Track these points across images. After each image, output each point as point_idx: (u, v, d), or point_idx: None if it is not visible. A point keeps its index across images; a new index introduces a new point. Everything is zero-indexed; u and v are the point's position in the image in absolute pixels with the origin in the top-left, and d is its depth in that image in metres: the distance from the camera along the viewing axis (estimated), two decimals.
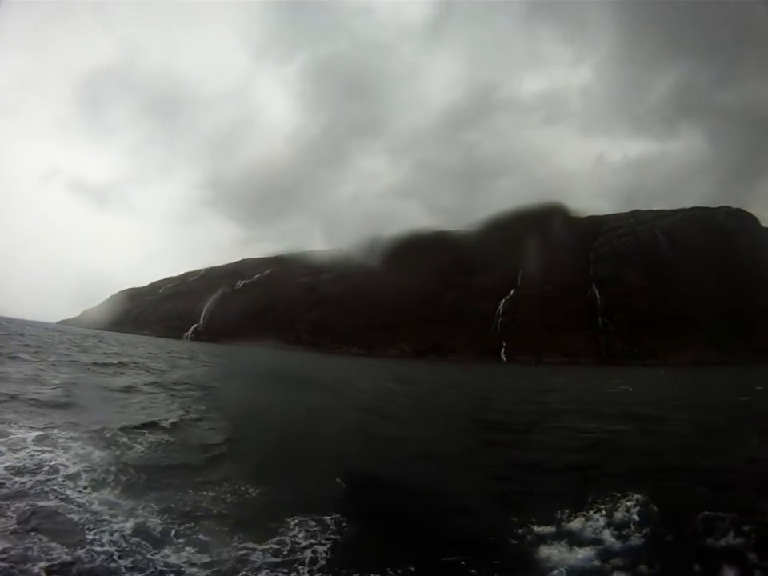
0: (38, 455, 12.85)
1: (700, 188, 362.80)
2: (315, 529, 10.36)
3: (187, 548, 9.11)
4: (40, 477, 11.54)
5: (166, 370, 41.34)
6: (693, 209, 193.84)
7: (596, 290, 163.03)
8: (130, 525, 9.63)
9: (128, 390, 26.87)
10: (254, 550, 9.25)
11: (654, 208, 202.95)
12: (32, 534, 8.87)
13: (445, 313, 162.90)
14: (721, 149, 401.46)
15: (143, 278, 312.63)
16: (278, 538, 9.83)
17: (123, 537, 9.15)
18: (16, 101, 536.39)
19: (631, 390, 49.47)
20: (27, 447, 13.38)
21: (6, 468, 11.77)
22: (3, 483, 10.99)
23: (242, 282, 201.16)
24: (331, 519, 10.84)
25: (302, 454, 17.03)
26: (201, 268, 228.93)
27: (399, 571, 8.99)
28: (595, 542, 10.20)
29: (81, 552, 8.45)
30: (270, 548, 9.40)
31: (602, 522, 10.93)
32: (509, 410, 32.17)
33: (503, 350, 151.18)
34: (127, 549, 8.76)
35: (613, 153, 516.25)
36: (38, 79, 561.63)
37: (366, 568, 8.90)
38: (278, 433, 19.73)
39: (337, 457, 16.65)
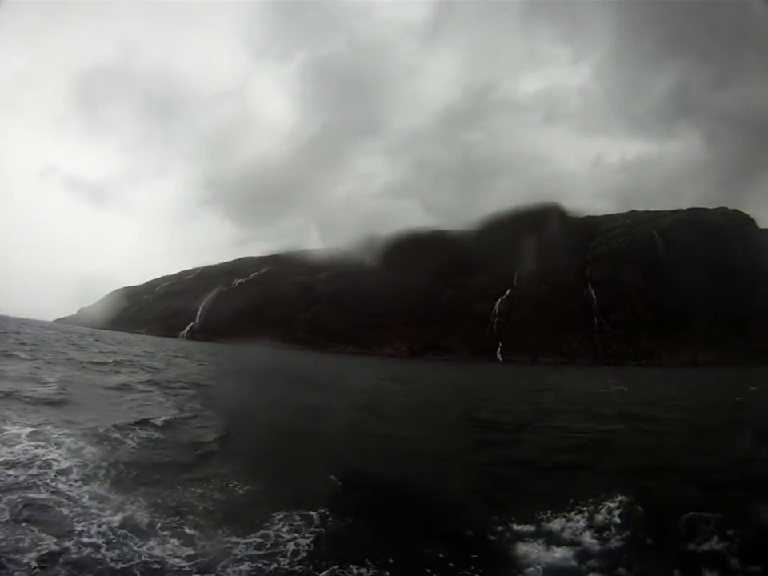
0: (31, 450, 13.07)
1: (697, 189, 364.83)
2: (300, 523, 10.55)
3: (172, 540, 9.35)
4: (33, 471, 11.76)
5: (161, 368, 41.43)
6: (690, 210, 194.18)
7: (592, 290, 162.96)
8: (117, 518, 9.87)
9: (123, 388, 26.99)
10: (237, 543, 9.46)
11: (652, 209, 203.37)
12: (23, 525, 9.15)
13: (441, 312, 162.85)
14: (719, 150, 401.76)
15: (140, 276, 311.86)
16: (261, 531, 10.02)
17: (111, 529, 9.39)
18: (13, 98, 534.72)
19: (626, 389, 49.69)
20: (21, 443, 13.60)
21: (0, 462, 11.99)
22: None
23: (239, 281, 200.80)
24: (317, 514, 11.02)
25: (295, 451, 17.24)
26: (197, 267, 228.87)
27: (378, 562, 9.17)
28: (574, 543, 10.34)
29: (69, 543, 8.70)
30: (254, 541, 9.59)
31: (582, 523, 11.09)
32: (502, 410, 32.28)
33: (499, 349, 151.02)
34: (114, 541, 9.02)
35: (611, 153, 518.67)
36: (35, 77, 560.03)
37: (346, 560, 9.10)
38: (272, 431, 19.82)
39: (328, 454, 16.85)
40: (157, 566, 8.40)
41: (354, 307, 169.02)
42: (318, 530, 10.37)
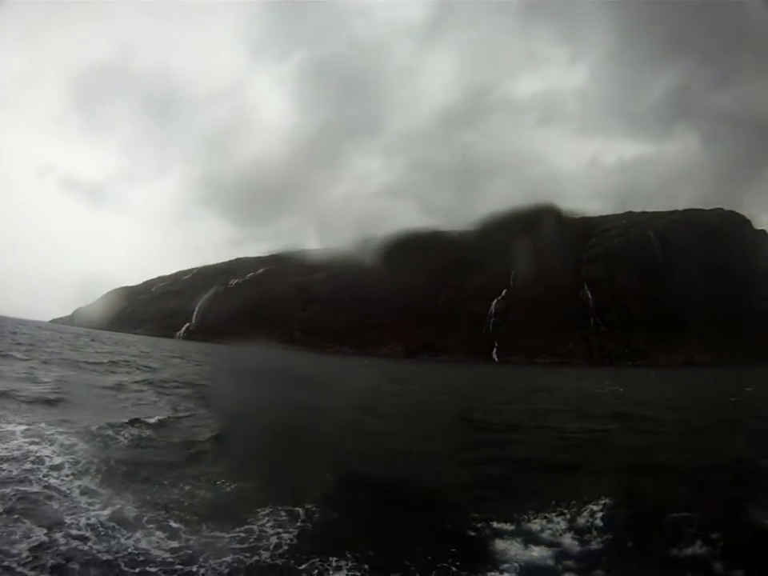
0: (25, 447, 13.35)
1: (694, 190, 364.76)
2: (285, 519, 10.78)
3: (157, 533, 9.60)
4: (26, 466, 12.04)
5: (156, 368, 41.53)
6: (686, 211, 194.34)
7: (588, 291, 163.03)
8: (106, 512, 10.14)
9: (118, 387, 27.15)
10: (222, 537, 9.70)
11: (648, 210, 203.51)
12: (15, 517, 9.43)
13: (437, 313, 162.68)
14: (715, 151, 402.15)
15: (137, 276, 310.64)
16: (246, 526, 10.24)
17: (99, 522, 9.68)
18: (10, 97, 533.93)
19: (621, 390, 49.91)
20: (16, 439, 13.89)
21: None
22: None
23: (235, 281, 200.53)
24: (303, 510, 11.23)
25: (287, 450, 17.52)
26: (194, 267, 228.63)
27: (358, 555, 9.37)
28: (553, 543, 10.47)
29: (59, 535, 8.98)
30: (237, 536, 9.82)
31: (563, 524, 11.23)
32: (496, 410, 32.50)
33: (495, 350, 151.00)
34: (102, 533, 9.30)
35: (608, 154, 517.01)
36: (33, 76, 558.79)
37: (327, 553, 9.31)
38: (265, 431, 20.10)
39: (321, 453, 17.11)
40: (141, 558, 8.61)
41: (351, 307, 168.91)
42: (302, 524, 10.58)
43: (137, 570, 8.23)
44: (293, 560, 9.07)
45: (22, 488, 10.80)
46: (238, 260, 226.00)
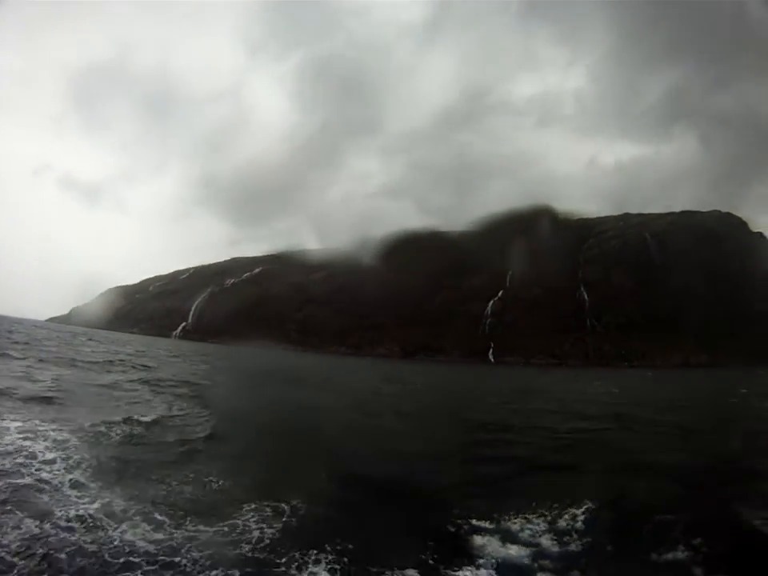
0: (18, 442, 13.58)
1: (691, 192, 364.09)
2: (269, 514, 10.95)
3: (143, 524, 9.83)
4: (19, 460, 12.30)
5: (152, 367, 41.44)
6: (683, 212, 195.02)
7: (584, 292, 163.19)
8: (95, 505, 10.40)
9: (113, 386, 27.14)
10: (205, 531, 9.88)
11: (645, 211, 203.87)
12: (7, 508, 9.74)
13: (433, 313, 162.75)
14: (712, 153, 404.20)
15: (134, 275, 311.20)
16: (230, 521, 10.42)
17: (88, 514, 9.93)
18: (9, 96, 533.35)
19: (616, 391, 49.91)
20: (10, 435, 14.10)
21: None
22: None
23: (232, 281, 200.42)
24: (288, 506, 11.40)
25: (279, 449, 17.64)
26: (190, 267, 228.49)
27: (338, 548, 9.54)
28: (531, 543, 10.53)
29: (47, 526, 9.27)
30: (220, 530, 10.01)
31: (543, 526, 11.27)
32: (490, 410, 32.57)
33: (491, 351, 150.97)
34: (91, 524, 9.57)
35: (605, 155, 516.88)
36: (31, 75, 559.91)
37: (308, 546, 9.47)
38: (258, 430, 20.25)
39: (312, 452, 17.23)
40: (127, 549, 8.83)
41: (348, 308, 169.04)
42: (287, 520, 10.76)
43: (121, 561, 8.44)
44: (273, 553, 9.23)
45: (14, 481, 11.05)
46: (234, 260, 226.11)
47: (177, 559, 8.67)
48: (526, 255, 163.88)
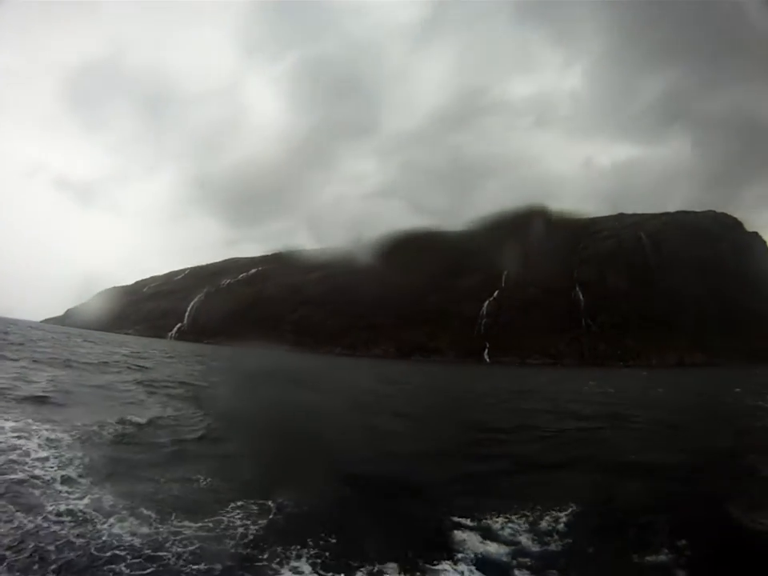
0: (12, 440, 13.79)
1: (686, 192, 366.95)
2: (255, 511, 11.10)
3: (130, 519, 10.07)
4: (12, 457, 12.54)
5: (147, 368, 41.45)
6: (677, 212, 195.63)
7: (579, 292, 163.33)
8: (84, 501, 10.70)
9: (108, 387, 27.18)
10: (190, 526, 10.07)
11: (640, 211, 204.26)
12: (0, 503, 10.04)
13: (429, 313, 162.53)
14: (707, 153, 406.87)
15: (130, 276, 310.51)
16: (215, 518, 10.60)
17: (78, 509, 10.24)
18: (3, 96, 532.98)
19: (611, 390, 50.02)
20: (4, 434, 14.25)
21: None
22: None
23: (227, 282, 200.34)
24: (274, 504, 11.54)
25: (270, 449, 17.73)
26: (186, 267, 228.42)
27: (321, 543, 9.73)
28: (511, 541, 10.58)
29: (39, 519, 9.57)
30: (205, 526, 10.19)
31: (524, 526, 11.29)
32: (484, 410, 32.71)
33: (487, 351, 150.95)
34: (80, 518, 9.87)
35: (600, 156, 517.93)
36: (25, 75, 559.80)
37: (290, 542, 9.66)
38: (252, 430, 20.37)
39: (304, 451, 17.34)
40: (113, 543, 9.07)
41: (343, 308, 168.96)
42: (272, 517, 10.92)
43: (107, 555, 8.65)
44: (256, 549, 9.40)
45: (6, 476, 11.31)
46: (230, 260, 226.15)
47: (161, 553, 8.85)
48: (521, 255, 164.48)
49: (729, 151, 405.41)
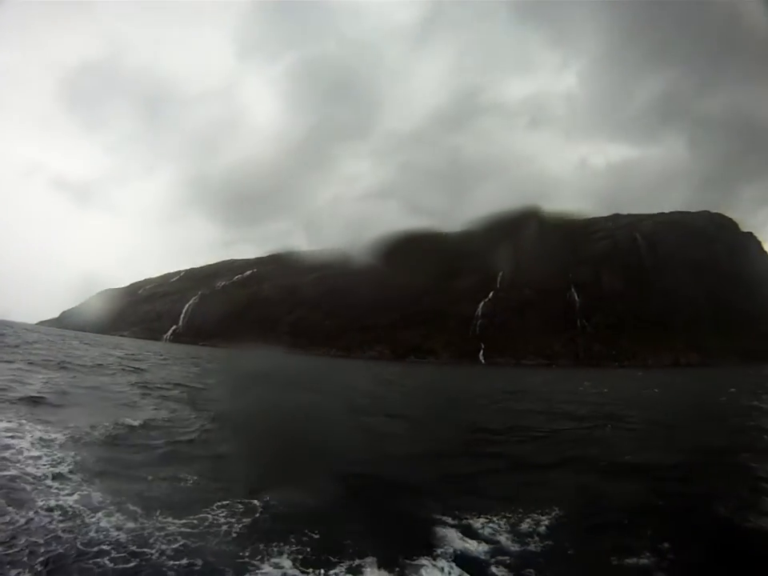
0: (6, 440, 14.08)
1: (681, 193, 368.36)
2: (240, 510, 11.24)
3: (117, 514, 10.31)
4: (5, 455, 12.88)
5: (142, 370, 41.45)
6: (672, 213, 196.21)
7: (575, 293, 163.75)
8: (74, 497, 10.99)
9: (102, 389, 27.21)
10: (174, 523, 10.25)
11: (635, 212, 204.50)
12: None
13: (424, 315, 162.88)
14: (702, 154, 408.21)
15: (125, 278, 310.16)
16: (200, 515, 10.74)
17: (67, 504, 10.53)
18: (0, 96, 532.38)
19: (606, 390, 50.09)
20: None
21: None
22: None
23: (222, 283, 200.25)
24: (260, 503, 11.66)
25: (261, 451, 17.76)
26: (181, 269, 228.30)
27: (304, 539, 9.90)
28: (491, 540, 10.60)
29: (30, 513, 9.90)
30: (190, 522, 10.34)
31: (505, 526, 11.29)
32: (478, 411, 32.74)
33: (482, 352, 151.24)
34: (69, 513, 10.16)
35: (596, 157, 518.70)
36: (23, 74, 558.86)
37: (273, 539, 9.79)
38: (245, 431, 20.29)
39: (295, 452, 17.32)
40: (100, 537, 9.31)
41: (338, 310, 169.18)
42: (257, 515, 11.04)
43: (94, 549, 8.86)
44: (238, 546, 9.52)
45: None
46: (225, 262, 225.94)
47: (145, 549, 9.02)
48: (516, 256, 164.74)
49: (724, 152, 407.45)
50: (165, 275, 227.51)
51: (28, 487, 11.20)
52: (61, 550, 8.73)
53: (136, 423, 18.78)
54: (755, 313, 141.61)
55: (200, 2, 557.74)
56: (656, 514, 12.00)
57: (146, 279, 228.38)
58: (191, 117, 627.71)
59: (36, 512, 10.02)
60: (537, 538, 10.73)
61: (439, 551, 9.78)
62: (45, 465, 12.66)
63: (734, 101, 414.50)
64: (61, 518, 9.91)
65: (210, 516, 10.74)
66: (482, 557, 9.84)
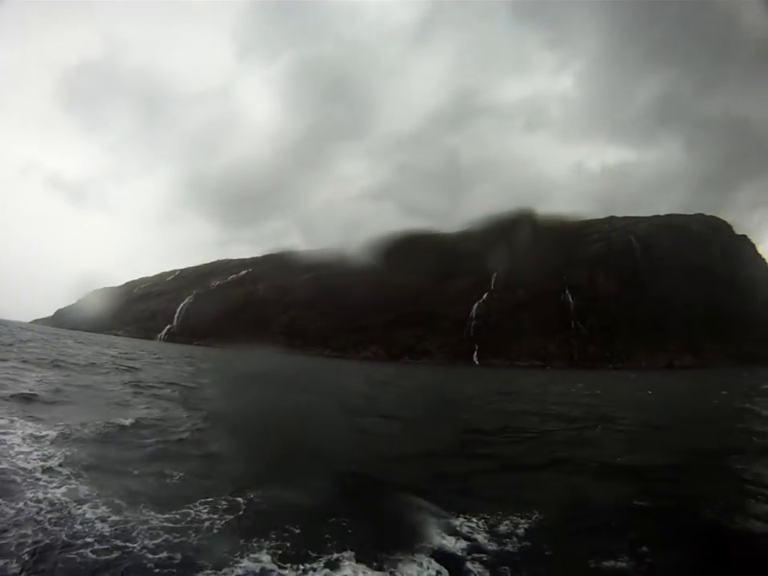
0: None
1: (676, 196, 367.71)
2: (224, 506, 11.42)
3: (102, 507, 10.59)
4: None
5: (136, 369, 41.44)
6: (667, 215, 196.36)
7: (569, 295, 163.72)
8: (62, 489, 11.35)
9: (95, 387, 27.31)
10: (157, 517, 10.47)
11: (630, 215, 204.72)
12: None
13: (418, 316, 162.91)
14: (698, 157, 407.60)
15: (119, 276, 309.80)
16: (183, 511, 10.94)
17: (55, 497, 10.89)
18: None
19: (599, 392, 50.13)
20: None
21: None
22: None
23: (217, 283, 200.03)
24: (244, 500, 11.85)
25: (252, 451, 17.85)
26: (176, 268, 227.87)
27: (285, 535, 10.08)
28: (468, 538, 10.73)
29: (21, 504, 10.28)
30: (172, 517, 10.55)
31: (484, 526, 11.37)
32: (471, 412, 32.81)
33: (476, 353, 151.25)
34: (57, 505, 10.51)
35: (592, 159, 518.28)
36: (19, 74, 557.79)
37: (253, 535, 9.97)
38: (235, 431, 20.30)
39: (286, 451, 17.42)
40: (85, 530, 9.60)
41: (333, 310, 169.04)
42: (240, 512, 11.20)
43: (78, 541, 9.11)
44: (218, 542, 9.67)
45: None
46: (220, 261, 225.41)
47: (127, 542, 9.23)
48: (511, 258, 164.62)
49: (720, 155, 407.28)
50: (160, 274, 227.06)
51: (18, 479, 11.54)
52: (47, 541, 8.98)
53: (128, 421, 18.90)
54: (750, 315, 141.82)
55: (198, 1, 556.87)
56: (641, 517, 12.10)
57: (141, 278, 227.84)
58: (189, 116, 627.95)
59: (26, 503, 10.33)
60: (515, 539, 10.83)
61: (418, 547, 9.92)
62: (35, 459, 12.95)
63: (731, 103, 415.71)
64: (48, 509, 10.22)
65: (192, 512, 10.91)
66: (459, 553, 10.00)
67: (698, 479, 15.79)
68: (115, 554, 8.77)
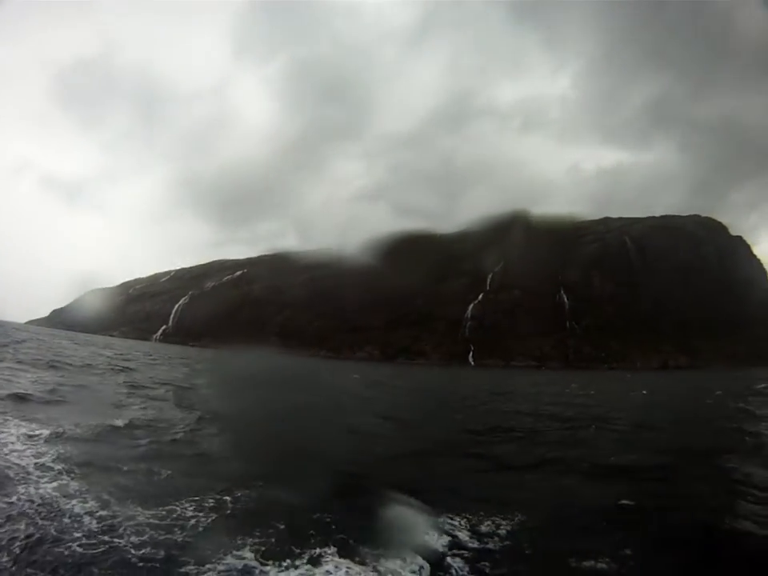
0: None
1: (671, 197, 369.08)
2: (211, 504, 11.56)
3: (91, 502, 10.81)
4: None
5: (131, 369, 41.50)
6: (663, 217, 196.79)
7: (564, 295, 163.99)
8: (53, 485, 11.62)
9: (91, 388, 27.46)
10: (144, 513, 10.65)
11: (625, 216, 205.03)
12: None
13: (414, 316, 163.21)
14: (693, 159, 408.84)
15: (115, 277, 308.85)
16: (169, 507, 11.09)
17: (46, 491, 11.17)
18: None
19: (593, 392, 50.29)
20: None
21: None
22: None
23: (212, 284, 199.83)
24: (231, 498, 12.00)
25: (242, 450, 17.86)
26: (171, 269, 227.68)
27: (269, 532, 10.20)
28: (450, 534, 10.89)
29: (14, 498, 10.54)
30: (158, 514, 10.71)
31: (465, 525, 11.46)
32: (465, 412, 32.89)
33: (471, 353, 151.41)
34: (47, 499, 10.77)
35: (587, 161, 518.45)
36: (16, 72, 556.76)
37: (238, 532, 10.08)
38: (228, 432, 20.24)
39: (279, 451, 17.63)
40: (74, 525, 9.79)
41: (328, 311, 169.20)
42: (226, 510, 11.35)
43: (66, 536, 9.30)
44: (202, 539, 9.78)
45: None
46: (215, 262, 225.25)
47: (113, 537, 9.42)
48: (506, 259, 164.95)
49: (715, 156, 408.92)
50: (155, 275, 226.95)
51: (11, 474, 11.80)
52: (38, 535, 9.16)
53: (121, 422, 18.96)
54: (744, 316, 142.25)
55: (195, 0, 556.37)
56: (629, 517, 12.15)
57: (136, 279, 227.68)
58: (185, 116, 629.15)
59: (18, 498, 10.56)
60: (496, 538, 10.89)
61: (401, 542, 10.02)
62: (28, 456, 13.18)
63: (725, 105, 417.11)
64: (39, 503, 10.46)
65: (178, 509, 11.04)
66: (440, 549, 10.15)
67: (689, 479, 15.79)
68: (101, 549, 8.94)
